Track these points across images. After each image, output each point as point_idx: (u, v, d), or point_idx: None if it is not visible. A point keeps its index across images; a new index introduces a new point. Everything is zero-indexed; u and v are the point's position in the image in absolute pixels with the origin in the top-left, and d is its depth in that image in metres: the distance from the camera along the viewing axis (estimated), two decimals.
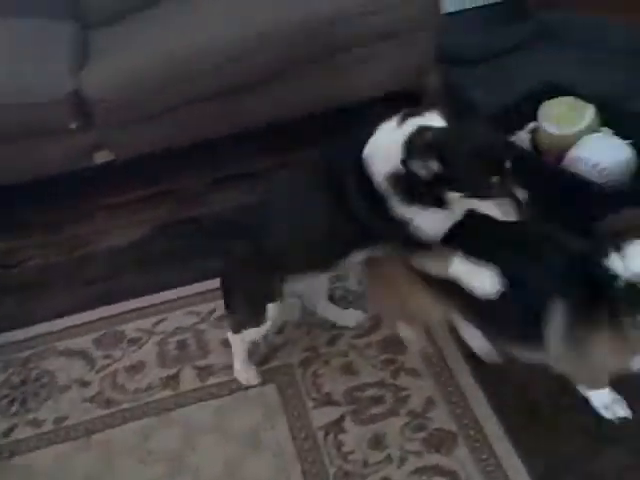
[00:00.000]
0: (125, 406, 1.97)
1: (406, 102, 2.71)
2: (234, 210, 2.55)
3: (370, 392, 1.93)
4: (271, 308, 1.82)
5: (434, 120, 1.53)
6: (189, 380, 2.02)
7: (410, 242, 1.61)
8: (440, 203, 1.54)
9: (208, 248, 2.38)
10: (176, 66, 2.37)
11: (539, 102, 2.49)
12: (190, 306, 2.23)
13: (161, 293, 2.28)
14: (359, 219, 1.62)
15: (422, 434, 1.82)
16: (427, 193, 1.53)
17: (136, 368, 2.07)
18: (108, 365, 2.09)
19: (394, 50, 2.57)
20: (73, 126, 2.42)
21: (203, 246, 2.40)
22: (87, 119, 2.43)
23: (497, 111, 2.54)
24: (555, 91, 2.52)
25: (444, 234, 1.63)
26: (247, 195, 2.58)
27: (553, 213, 2.25)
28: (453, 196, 1.52)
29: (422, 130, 1.48)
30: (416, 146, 1.47)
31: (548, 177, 2.31)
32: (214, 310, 2.20)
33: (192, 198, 2.69)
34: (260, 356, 2.05)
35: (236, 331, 1.91)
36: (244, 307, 1.86)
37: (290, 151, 2.69)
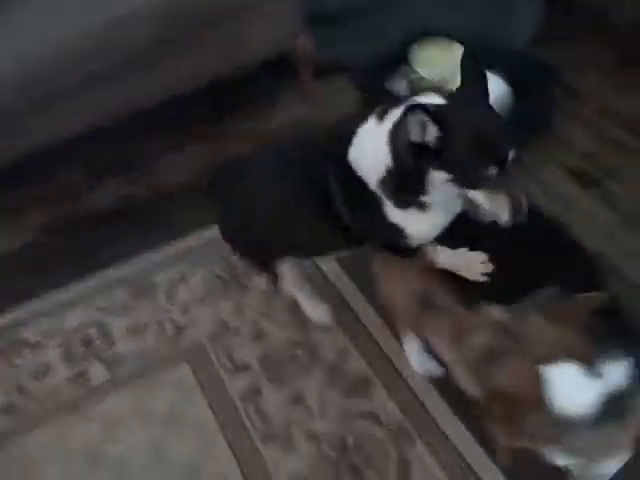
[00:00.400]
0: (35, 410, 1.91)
1: (284, 68, 2.77)
2: (118, 202, 2.51)
3: (283, 354, 1.94)
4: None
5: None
6: (99, 374, 1.97)
7: (400, 246, 1.51)
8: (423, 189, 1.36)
9: (95, 242, 2.35)
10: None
11: (408, 48, 2.54)
12: (89, 300, 2.16)
13: (56, 293, 2.20)
14: (346, 225, 1.51)
15: (340, 383, 1.85)
16: (416, 179, 1.34)
17: (41, 372, 2.00)
18: (14, 373, 2.01)
19: (263, 17, 2.55)
20: None
21: (92, 240, 2.36)
22: None
23: (369, 62, 2.58)
24: (424, 37, 2.58)
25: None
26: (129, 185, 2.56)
27: None
28: (438, 178, 1.31)
29: (420, 104, 1.27)
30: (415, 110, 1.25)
31: None
32: (116, 300, 2.14)
33: (74, 194, 2.61)
34: (169, 337, 2.02)
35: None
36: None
37: (178, 133, 2.67)
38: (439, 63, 2.46)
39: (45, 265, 2.32)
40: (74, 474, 1.77)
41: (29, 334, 2.10)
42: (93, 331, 2.08)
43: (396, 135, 1.33)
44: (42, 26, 2.21)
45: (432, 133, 1.25)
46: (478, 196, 1.34)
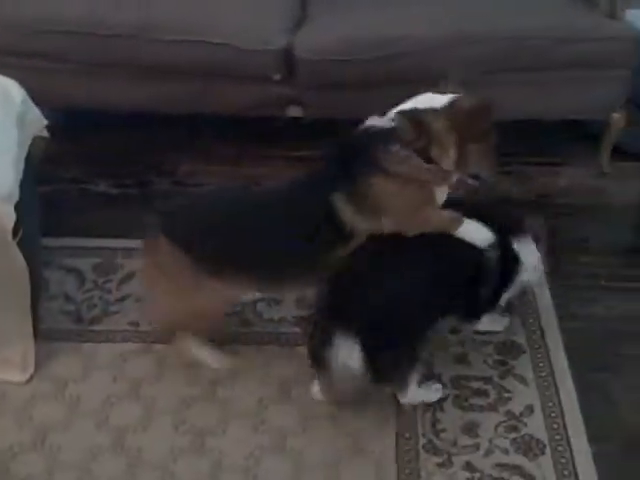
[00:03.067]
0: (257, 329, 2.22)
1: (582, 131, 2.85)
2: None
3: (476, 384, 2.06)
4: None
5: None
6: None
7: None
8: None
9: None
10: (381, 45, 2.55)
11: None
12: None
13: None
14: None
15: (514, 435, 1.94)
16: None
17: (275, 301, 2.29)
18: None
19: (589, 81, 2.65)
20: (277, 77, 2.65)
21: None
22: (291, 74, 2.65)
23: None
24: None
25: None
26: None
27: None
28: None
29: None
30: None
31: None
32: None
33: None
34: None
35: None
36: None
37: None
38: None
39: None
40: (265, 395, 2.03)
41: None
42: None
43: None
44: None
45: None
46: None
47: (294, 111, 2.76)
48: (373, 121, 1.85)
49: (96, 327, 2.22)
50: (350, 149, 1.85)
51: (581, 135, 2.92)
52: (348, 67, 2.57)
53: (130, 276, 2.38)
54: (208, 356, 2.09)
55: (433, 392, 2.02)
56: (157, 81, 2.72)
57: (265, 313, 2.27)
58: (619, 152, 2.83)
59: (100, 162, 2.91)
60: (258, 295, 2.26)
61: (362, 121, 1.89)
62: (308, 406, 2.00)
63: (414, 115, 1.80)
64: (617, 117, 2.73)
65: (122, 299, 2.31)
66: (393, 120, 1.81)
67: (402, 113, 1.81)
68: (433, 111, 1.79)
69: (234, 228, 1.85)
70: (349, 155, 1.84)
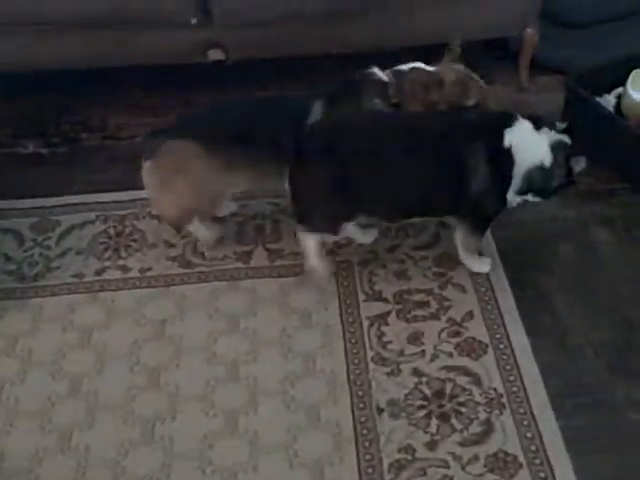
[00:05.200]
0: (202, 269, 2.25)
1: (501, 50, 2.92)
2: None
3: (418, 297, 2.14)
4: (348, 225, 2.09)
5: None
6: (260, 258, 2.27)
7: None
8: None
9: None
10: None
11: (631, 68, 2.59)
12: (272, 198, 2.45)
13: None
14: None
15: (457, 339, 2.03)
16: None
17: (216, 240, 2.33)
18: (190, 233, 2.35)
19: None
20: (194, 22, 2.64)
21: None
22: (208, 17, 2.64)
23: (587, 72, 2.66)
24: None
25: None
26: None
27: (625, 168, 2.40)
28: None
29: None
30: None
31: (625, 138, 2.45)
32: None
33: None
34: (326, 251, 2.27)
35: (309, 232, 2.10)
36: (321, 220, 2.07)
37: None
38: None
39: None
40: (214, 329, 2.09)
41: None
42: (266, 222, 2.41)
43: None
44: None
45: None
46: None
47: (215, 54, 2.75)
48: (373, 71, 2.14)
49: (40, 283, 2.23)
50: (342, 91, 2.14)
51: (501, 54, 2.98)
52: (265, 3, 2.57)
53: (69, 231, 2.39)
54: (205, 232, 2.29)
55: (369, 235, 2.25)
56: (69, 36, 2.66)
57: (207, 252, 2.30)
58: (537, 67, 2.91)
59: (27, 124, 2.87)
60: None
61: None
62: (257, 336, 2.06)
63: (398, 77, 2.11)
64: (530, 33, 2.80)
65: (62, 254, 2.31)
66: (386, 75, 2.12)
67: (393, 72, 2.13)
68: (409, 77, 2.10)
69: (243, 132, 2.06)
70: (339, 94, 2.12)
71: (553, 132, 1.98)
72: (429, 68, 2.13)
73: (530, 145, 1.94)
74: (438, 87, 2.07)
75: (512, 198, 2.02)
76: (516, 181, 1.97)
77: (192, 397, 1.92)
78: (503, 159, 1.94)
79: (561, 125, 2.03)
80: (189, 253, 2.30)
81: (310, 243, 2.12)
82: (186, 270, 2.25)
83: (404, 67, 2.14)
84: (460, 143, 1.94)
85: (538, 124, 1.96)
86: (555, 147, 1.94)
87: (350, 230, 2.17)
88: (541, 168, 1.94)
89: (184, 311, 2.13)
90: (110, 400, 1.92)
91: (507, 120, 1.96)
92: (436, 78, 2.09)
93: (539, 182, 1.96)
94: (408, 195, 2.01)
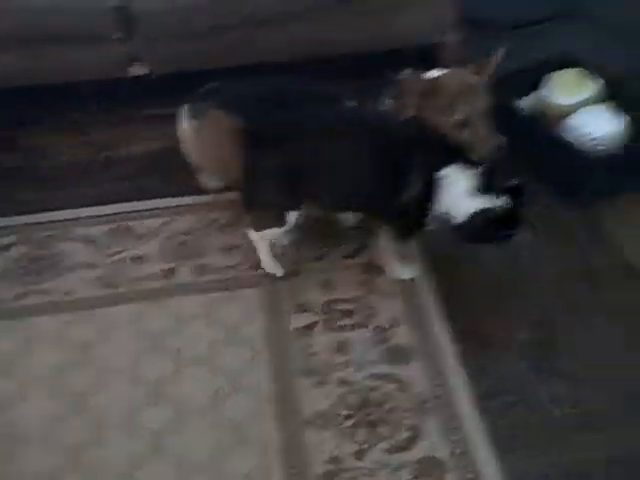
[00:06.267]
0: (126, 289, 2.21)
1: (423, 57, 2.94)
2: None
3: (344, 306, 2.14)
4: (291, 214, 2.08)
5: None
6: (185, 274, 2.25)
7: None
8: None
9: None
10: None
11: (551, 71, 2.65)
12: (197, 213, 2.44)
13: (173, 198, 2.51)
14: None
15: (383, 346, 2.04)
16: None
17: (140, 259, 2.30)
18: (115, 253, 2.32)
19: (416, 3, 2.74)
20: (115, 36, 2.61)
21: None
22: (129, 31, 2.62)
23: (506, 74, 2.70)
24: (567, 62, 2.67)
25: None
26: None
27: (544, 169, 2.44)
28: None
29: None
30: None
31: (543, 139, 2.49)
32: (217, 219, 2.42)
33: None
34: (251, 264, 2.27)
35: (258, 230, 2.14)
36: (267, 211, 2.10)
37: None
38: (572, 93, 2.55)
39: (172, 172, 2.61)
40: (139, 350, 2.05)
41: (138, 226, 2.42)
42: (191, 238, 2.38)
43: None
44: None
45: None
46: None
47: (138, 69, 2.73)
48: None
49: None
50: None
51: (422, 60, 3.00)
52: (186, 16, 2.56)
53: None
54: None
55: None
56: None
57: (130, 272, 2.27)
58: None
59: None
60: None
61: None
62: (182, 355, 2.04)
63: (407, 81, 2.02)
64: (452, 39, 2.83)
65: None
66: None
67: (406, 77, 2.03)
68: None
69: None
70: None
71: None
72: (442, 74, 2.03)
73: (457, 200, 1.93)
74: (431, 95, 1.97)
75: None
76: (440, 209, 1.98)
77: (117, 420, 1.89)
78: (435, 184, 1.94)
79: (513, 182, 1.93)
80: (112, 274, 2.26)
81: (260, 245, 2.17)
82: (109, 291, 2.21)
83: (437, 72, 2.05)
84: (405, 154, 1.95)
85: (485, 181, 1.91)
86: (476, 214, 1.92)
87: (392, 266, 2.21)
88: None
89: (108, 333, 2.09)
90: (30, 430, 1.88)
91: (453, 157, 1.94)
92: (429, 86, 1.98)
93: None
94: (346, 188, 2.03)
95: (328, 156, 1.98)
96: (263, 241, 2.19)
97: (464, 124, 1.89)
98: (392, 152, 1.96)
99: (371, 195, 2.04)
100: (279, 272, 2.23)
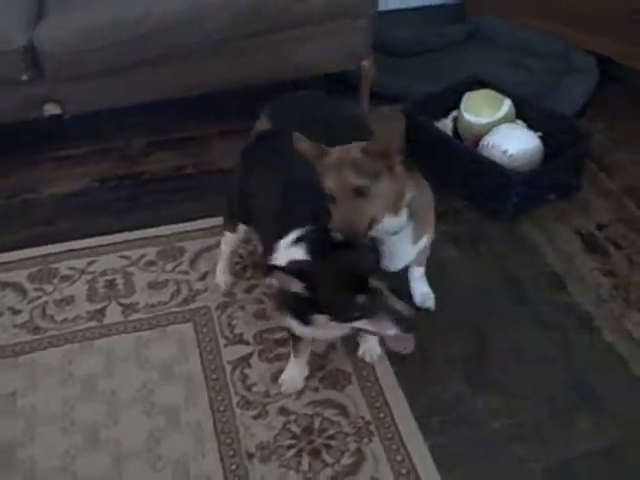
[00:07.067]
0: (52, 333, 2.14)
1: (343, 84, 3.00)
2: (170, 170, 2.79)
3: (278, 335, 2.12)
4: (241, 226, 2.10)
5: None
6: (114, 314, 2.19)
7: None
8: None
9: (143, 202, 2.61)
10: (122, 28, 2.51)
11: (464, 93, 2.73)
12: (121, 251, 2.39)
13: (95, 238, 2.45)
14: None
15: (321, 372, 2.03)
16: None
17: (66, 301, 2.23)
18: (39, 297, 2.25)
19: (333, 34, 2.77)
20: (25, 78, 2.55)
21: (138, 199, 2.62)
22: (39, 72, 2.56)
23: (423, 98, 2.78)
24: (478, 84, 2.76)
25: None
26: (183, 158, 2.84)
27: (466, 187, 2.51)
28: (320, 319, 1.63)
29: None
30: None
31: (463, 158, 2.56)
32: (144, 256, 2.38)
33: (133, 157, 2.88)
34: (182, 298, 2.23)
35: (222, 234, 2.20)
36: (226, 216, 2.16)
37: (229, 120, 2.91)
38: (486, 113, 2.63)
39: (92, 212, 2.58)
40: (69, 396, 1.98)
41: (62, 268, 2.35)
42: (118, 276, 2.31)
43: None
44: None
45: (297, 286, 1.56)
46: (363, 324, 1.61)
47: (51, 109, 2.67)
48: None
49: None
50: None
51: (340, 88, 3.05)
52: (95, 55, 2.52)
53: None
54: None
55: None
56: None
57: (56, 315, 2.20)
58: (376, 97, 3.01)
59: None
60: None
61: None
62: (116, 397, 1.98)
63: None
64: (367, 65, 2.89)
65: None
66: None
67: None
68: None
69: None
70: None
71: None
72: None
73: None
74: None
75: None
76: None
77: (50, 471, 1.81)
78: None
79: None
80: (38, 318, 2.19)
81: (222, 248, 2.23)
82: (35, 336, 2.13)
83: None
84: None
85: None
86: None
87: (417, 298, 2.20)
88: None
89: (35, 380, 2.02)
90: None
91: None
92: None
93: None
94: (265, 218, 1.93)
95: (256, 188, 1.96)
96: (224, 245, 2.21)
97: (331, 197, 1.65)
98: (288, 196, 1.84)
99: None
100: (222, 285, 2.24)
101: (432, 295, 2.21)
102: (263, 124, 2.16)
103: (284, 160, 1.89)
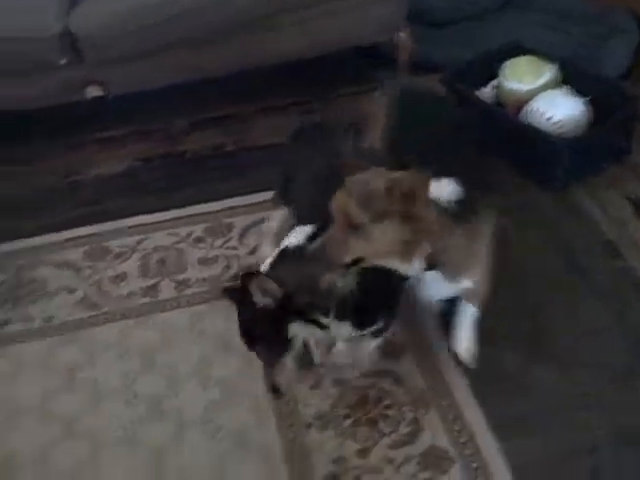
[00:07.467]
0: (108, 309, 2.18)
1: (376, 57, 2.97)
2: (211, 148, 2.82)
3: None
4: None
5: None
6: (168, 290, 2.22)
7: None
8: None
9: (186, 180, 2.62)
10: (156, 10, 2.54)
11: (504, 60, 2.70)
12: (170, 228, 2.43)
13: (143, 216, 2.49)
14: None
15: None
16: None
17: (120, 278, 2.27)
18: (94, 274, 2.29)
19: (365, 6, 2.75)
20: (63, 62, 2.58)
21: (182, 178, 2.64)
22: (77, 56, 2.59)
23: (462, 67, 2.75)
24: (518, 51, 2.73)
25: None
26: (223, 136, 2.86)
27: (512, 156, 2.47)
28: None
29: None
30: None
31: (507, 126, 2.53)
32: (192, 233, 2.41)
33: (174, 136, 2.91)
34: (233, 273, 2.25)
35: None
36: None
37: (266, 98, 2.93)
38: (528, 79, 2.60)
39: (137, 192, 2.61)
40: (129, 370, 2.02)
41: (113, 246, 2.38)
42: (168, 253, 2.34)
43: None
44: None
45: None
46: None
47: (94, 91, 2.70)
48: None
49: None
50: None
51: (374, 61, 3.03)
52: (130, 38, 2.56)
53: None
54: None
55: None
56: None
57: (112, 291, 2.25)
58: (419, 67, 2.95)
59: None
60: None
61: None
62: (174, 370, 2.01)
63: None
64: (403, 36, 2.86)
65: None
66: None
67: None
68: None
69: None
70: None
71: None
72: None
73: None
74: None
75: None
76: None
77: (115, 440, 1.86)
78: None
79: None
80: (94, 295, 2.23)
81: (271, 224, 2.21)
82: (92, 312, 2.17)
83: None
84: None
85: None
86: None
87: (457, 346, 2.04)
88: None
89: (93, 355, 2.06)
90: (24, 457, 1.84)
91: None
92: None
93: None
94: None
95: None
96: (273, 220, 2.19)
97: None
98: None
99: None
100: None
101: (473, 351, 1.93)
102: None
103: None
